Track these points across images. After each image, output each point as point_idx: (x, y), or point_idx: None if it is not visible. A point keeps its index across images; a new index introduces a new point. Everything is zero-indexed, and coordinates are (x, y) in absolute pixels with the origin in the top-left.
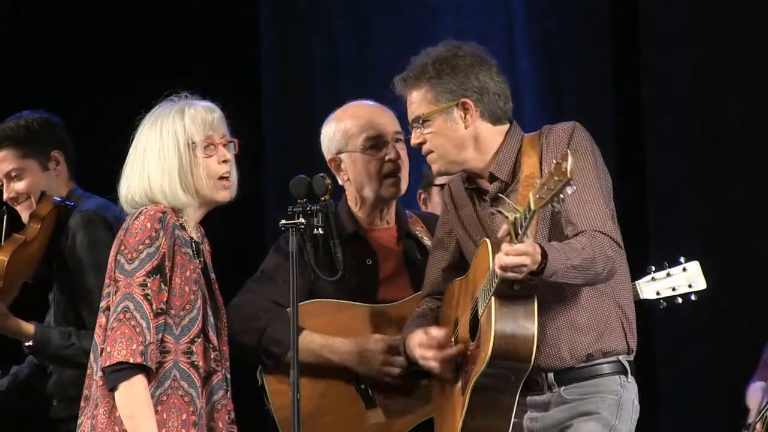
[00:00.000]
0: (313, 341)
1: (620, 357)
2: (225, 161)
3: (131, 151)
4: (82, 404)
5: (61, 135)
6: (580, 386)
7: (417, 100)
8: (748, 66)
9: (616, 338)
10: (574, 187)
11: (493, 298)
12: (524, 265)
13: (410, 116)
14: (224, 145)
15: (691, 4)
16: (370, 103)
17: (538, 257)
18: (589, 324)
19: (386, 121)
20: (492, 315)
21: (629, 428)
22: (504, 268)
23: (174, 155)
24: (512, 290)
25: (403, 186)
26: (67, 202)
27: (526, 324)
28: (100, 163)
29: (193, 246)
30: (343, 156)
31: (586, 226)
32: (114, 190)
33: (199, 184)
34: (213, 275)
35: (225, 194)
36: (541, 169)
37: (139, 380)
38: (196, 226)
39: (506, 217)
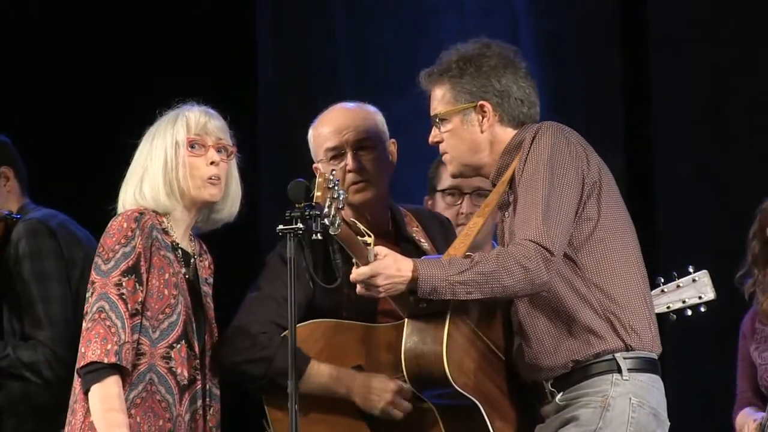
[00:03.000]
0: (320, 373)
1: (616, 355)
2: (213, 163)
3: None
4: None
5: (9, 152)
6: (570, 390)
7: (437, 98)
8: (760, 65)
9: (607, 338)
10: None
11: (406, 320)
12: (375, 285)
13: (431, 113)
14: (218, 150)
15: (701, 3)
16: (345, 106)
17: (401, 275)
18: (572, 331)
19: (349, 128)
20: (402, 336)
21: (629, 427)
22: (361, 294)
23: (160, 156)
24: (419, 309)
25: (372, 191)
26: (14, 215)
27: (435, 342)
28: (100, 164)
29: (179, 253)
30: (319, 165)
31: (519, 235)
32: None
33: (180, 184)
34: (206, 288)
35: (213, 191)
36: (513, 173)
37: (113, 380)
38: (187, 234)
39: None
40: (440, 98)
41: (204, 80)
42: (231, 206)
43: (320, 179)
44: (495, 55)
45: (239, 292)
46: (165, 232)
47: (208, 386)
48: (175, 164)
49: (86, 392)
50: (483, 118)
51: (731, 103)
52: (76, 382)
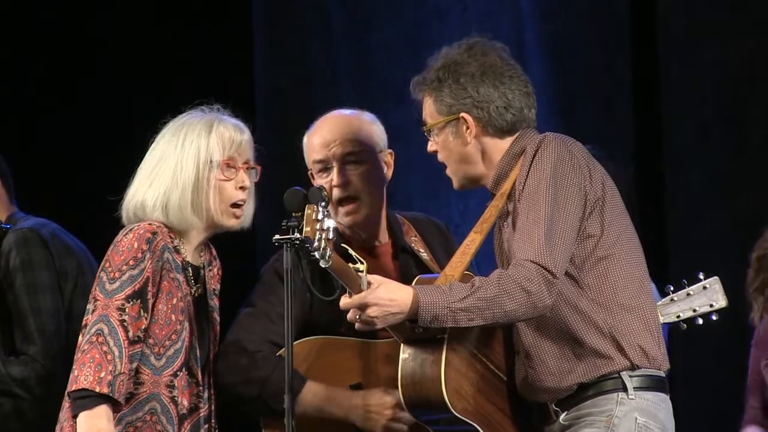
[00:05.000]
0: (316, 394)
1: (622, 373)
2: (242, 188)
3: (147, 157)
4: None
5: None
6: (575, 410)
7: (426, 109)
8: None
9: (614, 358)
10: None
11: (401, 345)
12: (371, 317)
13: (422, 124)
14: (245, 171)
15: (714, 3)
16: (340, 114)
17: (395, 305)
18: (577, 353)
19: (337, 141)
20: (395, 361)
21: None
22: (353, 322)
23: (191, 170)
24: (414, 334)
25: (363, 210)
26: (3, 225)
27: (432, 368)
28: (97, 167)
29: (189, 271)
30: (312, 174)
31: (518, 255)
32: (114, 194)
33: (209, 206)
34: (213, 302)
35: (234, 222)
36: (513, 186)
37: (103, 411)
38: (199, 249)
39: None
40: (427, 109)
41: (199, 84)
42: (245, 222)
43: (308, 211)
44: (474, 62)
45: (235, 302)
46: (176, 250)
47: (212, 407)
48: (207, 185)
49: (74, 416)
50: (466, 130)
51: (744, 107)
52: (66, 400)
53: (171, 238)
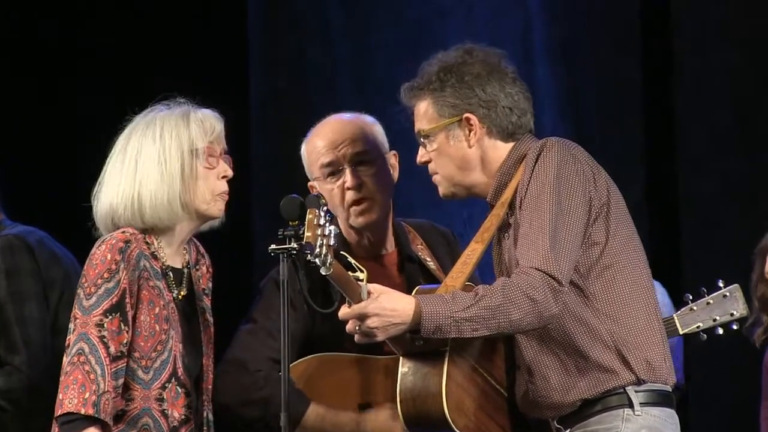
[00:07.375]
0: (323, 419)
1: (627, 388)
2: (225, 177)
3: (116, 158)
4: None
5: None
6: (579, 428)
7: (420, 115)
8: None
9: (619, 373)
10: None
11: (400, 358)
12: (371, 327)
13: (415, 131)
14: (223, 160)
15: (729, 3)
16: (341, 117)
17: (396, 315)
18: (581, 367)
19: (345, 142)
20: (397, 375)
21: None
22: (352, 333)
23: (176, 161)
24: (414, 346)
25: (376, 210)
26: None
27: (433, 383)
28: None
29: (170, 276)
30: (315, 183)
31: (523, 263)
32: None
33: (196, 197)
34: (204, 303)
35: (222, 206)
36: (515, 194)
37: None
38: (182, 249)
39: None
40: (423, 114)
41: (197, 84)
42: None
43: (310, 216)
44: (478, 62)
45: (232, 312)
46: (154, 256)
47: (206, 413)
48: (194, 175)
49: None
50: (470, 132)
51: (759, 111)
52: (55, 425)
53: (147, 244)
